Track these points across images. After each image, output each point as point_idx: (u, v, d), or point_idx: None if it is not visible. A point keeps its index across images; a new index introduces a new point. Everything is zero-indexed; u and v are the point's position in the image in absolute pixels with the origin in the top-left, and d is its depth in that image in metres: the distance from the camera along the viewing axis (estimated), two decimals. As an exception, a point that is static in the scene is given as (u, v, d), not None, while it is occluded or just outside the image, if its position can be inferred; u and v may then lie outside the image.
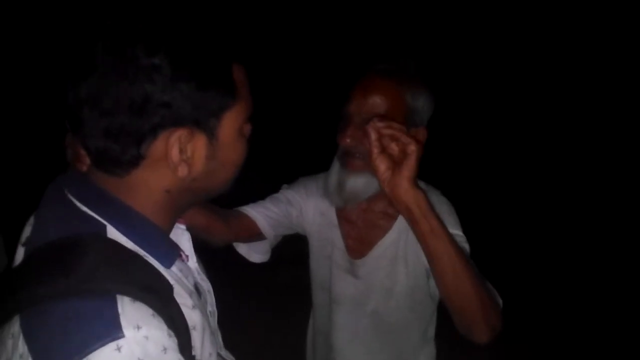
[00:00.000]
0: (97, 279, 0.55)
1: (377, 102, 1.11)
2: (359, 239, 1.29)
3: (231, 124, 0.66)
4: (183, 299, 0.66)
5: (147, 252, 0.64)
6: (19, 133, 4.99)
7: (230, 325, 0.90)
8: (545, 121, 6.00)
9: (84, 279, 0.55)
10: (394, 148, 0.90)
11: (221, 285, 0.89)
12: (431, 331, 1.36)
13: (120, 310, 0.53)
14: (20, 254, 0.66)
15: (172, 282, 0.65)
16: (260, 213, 1.28)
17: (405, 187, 0.88)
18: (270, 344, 2.90)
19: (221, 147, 0.66)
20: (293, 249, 1.50)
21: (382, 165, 0.91)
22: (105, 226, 0.62)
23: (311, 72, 6.05)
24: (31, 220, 0.69)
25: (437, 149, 1.27)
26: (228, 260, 1.35)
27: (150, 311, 0.56)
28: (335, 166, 1.22)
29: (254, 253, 1.35)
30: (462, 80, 5.94)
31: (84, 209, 0.63)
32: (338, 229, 1.32)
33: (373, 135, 0.90)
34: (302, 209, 1.36)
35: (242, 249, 1.34)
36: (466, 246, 1.13)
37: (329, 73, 5.30)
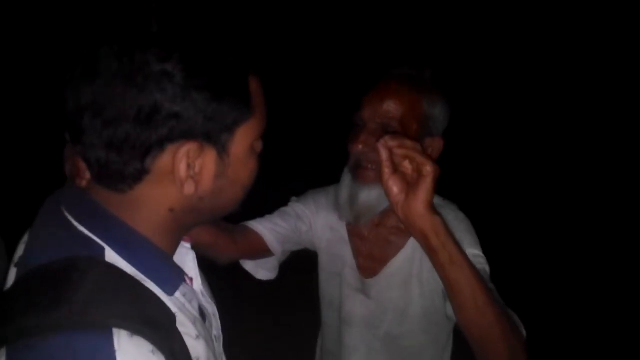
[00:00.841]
0: (93, 310, 0.50)
1: (392, 107, 1.05)
2: (371, 256, 1.23)
3: (244, 140, 0.61)
4: (186, 328, 0.62)
5: (149, 277, 0.59)
6: (22, 137, 4.95)
7: (230, 335, 0.85)
8: (546, 125, 5.98)
9: (78, 311, 0.50)
10: (407, 167, 0.82)
11: (222, 294, 0.84)
12: (447, 356, 1.28)
13: (116, 346, 0.49)
14: (12, 275, 0.60)
15: (174, 310, 0.60)
16: (267, 229, 1.22)
17: (420, 213, 0.80)
18: (272, 352, 2.84)
19: (232, 164, 0.61)
20: (298, 256, 1.43)
21: (394, 187, 0.83)
22: (103, 249, 0.57)
23: (323, 77, 6.01)
24: (25, 238, 0.63)
25: (450, 156, 1.20)
26: (229, 267, 1.29)
27: (149, 347, 0.51)
28: (347, 178, 1.15)
29: (261, 270, 1.28)
30: (474, 87, 5.89)
31: (81, 229, 0.58)
32: (349, 245, 1.25)
33: (384, 154, 0.82)
34: (311, 223, 1.30)
35: (249, 265, 1.27)
36: (486, 268, 1.06)
37: (341, 78, 5.25)
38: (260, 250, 1.23)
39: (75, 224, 0.58)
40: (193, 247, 0.75)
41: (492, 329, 0.83)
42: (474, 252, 1.07)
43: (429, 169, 0.79)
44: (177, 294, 0.63)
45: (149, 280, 0.59)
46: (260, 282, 1.30)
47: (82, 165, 0.62)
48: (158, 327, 0.54)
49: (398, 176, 0.83)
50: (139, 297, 0.56)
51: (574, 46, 5.97)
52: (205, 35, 0.57)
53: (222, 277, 1.12)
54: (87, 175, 0.61)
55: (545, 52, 6.14)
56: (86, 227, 0.58)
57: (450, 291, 0.84)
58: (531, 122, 6.08)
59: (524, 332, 0.93)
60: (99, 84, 0.53)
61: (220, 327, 0.77)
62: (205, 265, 0.79)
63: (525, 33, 6.12)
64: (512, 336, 0.86)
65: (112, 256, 0.57)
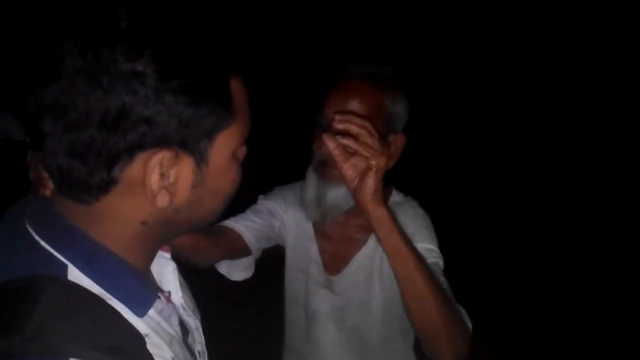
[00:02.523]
0: (48, 337, 0.45)
1: (356, 106, 1.05)
2: (335, 254, 1.25)
3: (225, 147, 0.56)
4: (161, 350, 0.56)
5: (116, 297, 0.53)
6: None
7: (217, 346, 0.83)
8: (539, 123, 6.05)
9: (32, 337, 0.45)
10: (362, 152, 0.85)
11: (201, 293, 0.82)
12: (409, 344, 1.32)
13: None
14: None
15: (147, 331, 0.55)
16: (245, 227, 1.21)
17: (366, 203, 0.86)
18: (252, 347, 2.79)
19: (211, 173, 0.56)
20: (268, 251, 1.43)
21: (348, 172, 0.88)
22: (66, 266, 0.52)
23: (281, 75, 5.90)
24: None
25: (421, 153, 1.24)
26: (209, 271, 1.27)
27: None
28: (312, 177, 1.15)
29: (235, 271, 1.27)
30: (468, 85, 5.92)
31: (43, 244, 0.53)
32: (315, 242, 1.27)
33: (331, 145, 0.86)
34: (283, 219, 1.30)
35: (223, 268, 1.25)
36: (439, 262, 1.10)
37: (301, 77, 5.18)
38: (239, 249, 1.22)
39: (37, 238, 0.53)
40: (175, 253, 0.70)
41: (433, 318, 0.88)
42: (428, 246, 1.11)
43: (373, 162, 0.83)
44: (152, 311, 0.58)
45: (116, 300, 0.53)
46: (238, 283, 1.29)
47: (45, 174, 0.57)
48: (122, 354, 0.49)
49: (353, 161, 0.87)
50: (102, 321, 0.51)
51: (569, 43, 5.96)
52: (182, 31, 0.51)
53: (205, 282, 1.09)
54: (51, 184, 0.57)
55: (539, 49, 6.12)
56: (48, 243, 0.53)
57: (396, 280, 0.90)
58: (527, 121, 6.08)
59: (469, 325, 0.98)
60: (60, 84, 0.47)
61: (203, 342, 0.72)
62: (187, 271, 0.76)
63: (520, 29, 6.09)
64: (454, 328, 0.91)
65: (75, 274, 0.52)
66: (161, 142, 0.50)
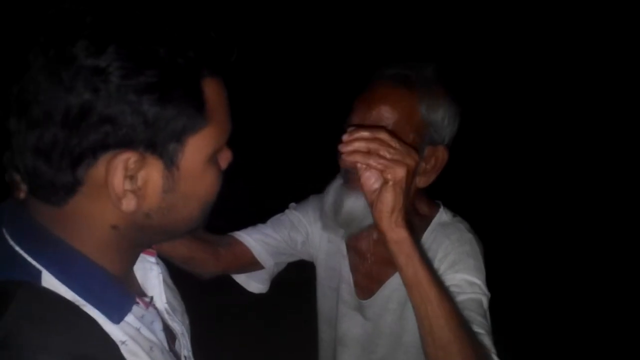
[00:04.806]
0: (18, 346, 0.44)
1: (383, 114, 0.94)
2: (369, 275, 1.12)
3: (198, 151, 0.53)
4: (137, 357, 0.55)
5: (91, 303, 0.52)
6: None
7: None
8: (543, 125, 5.78)
9: (0, 346, 0.43)
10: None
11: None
12: None
13: None
14: None
15: (123, 337, 0.53)
16: (256, 240, 1.13)
17: (383, 222, 0.74)
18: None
19: (184, 178, 0.53)
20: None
21: (367, 182, 0.76)
22: (40, 272, 0.51)
23: (316, 78, 5.85)
24: None
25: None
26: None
27: None
28: (336, 183, 1.05)
29: (253, 282, 1.19)
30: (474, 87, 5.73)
31: (17, 248, 0.52)
32: (347, 260, 1.15)
33: (345, 154, 0.75)
34: (308, 233, 1.19)
35: (240, 277, 1.19)
36: (482, 299, 0.94)
37: (336, 79, 5.10)
38: (248, 263, 1.14)
39: (11, 242, 0.52)
40: (167, 260, 0.70)
41: None
42: (470, 278, 0.95)
43: (388, 175, 0.72)
44: (130, 317, 0.56)
45: (91, 307, 0.52)
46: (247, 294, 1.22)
47: (18, 175, 0.55)
48: None
49: (375, 172, 0.75)
50: (75, 328, 0.49)
51: (575, 45, 5.80)
52: (150, 28, 0.49)
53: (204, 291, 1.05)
54: (24, 186, 0.55)
55: (545, 51, 5.91)
56: (22, 247, 0.52)
57: (416, 319, 0.76)
58: (532, 123, 5.91)
59: None
60: (24, 80, 0.46)
61: (189, 347, 0.70)
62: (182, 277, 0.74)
63: (526, 31, 5.96)
64: None
65: (49, 280, 0.51)
66: (125, 143, 0.48)
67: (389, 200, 0.73)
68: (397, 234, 0.74)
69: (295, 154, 4.92)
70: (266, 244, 1.14)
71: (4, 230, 0.54)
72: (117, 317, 0.54)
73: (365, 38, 5.89)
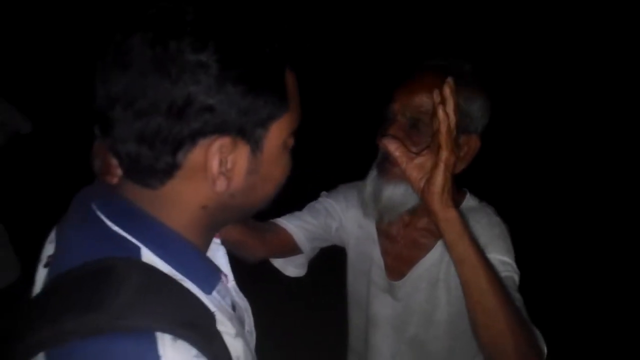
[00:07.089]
0: (133, 314, 0.48)
1: (424, 100, 0.99)
2: (399, 257, 1.18)
3: (278, 136, 0.59)
4: (225, 326, 0.60)
5: (187, 277, 0.57)
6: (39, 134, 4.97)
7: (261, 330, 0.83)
8: (545, 126, 5.79)
9: (118, 314, 0.48)
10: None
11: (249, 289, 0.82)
12: None
13: (161, 351, 0.47)
14: (40, 276, 0.59)
15: (213, 309, 0.58)
16: (297, 226, 1.19)
17: (435, 202, 0.80)
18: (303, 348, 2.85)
19: (264, 160, 0.59)
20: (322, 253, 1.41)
21: (414, 173, 0.83)
22: (139, 249, 0.55)
23: (354, 69, 5.87)
24: (52, 236, 0.62)
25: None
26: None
27: (193, 351, 0.49)
28: (373, 174, 1.10)
29: (290, 267, 1.25)
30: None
31: (115, 228, 0.56)
32: (377, 244, 1.21)
33: (391, 148, 0.83)
34: (341, 220, 1.26)
35: (278, 262, 1.25)
36: (515, 276, 1.01)
37: (374, 71, 5.13)
38: (289, 249, 1.20)
39: (109, 223, 0.56)
40: (222, 244, 0.73)
41: (503, 338, 0.80)
42: (502, 258, 1.02)
43: (443, 154, 0.78)
44: (214, 292, 0.61)
45: (187, 280, 0.57)
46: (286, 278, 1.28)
47: (113, 162, 0.60)
48: (200, 329, 0.52)
49: (418, 161, 0.84)
50: (180, 299, 0.54)
51: (580, 46, 5.77)
52: (242, 25, 0.54)
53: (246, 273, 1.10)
54: (118, 171, 0.60)
55: (552, 51, 5.93)
56: (120, 226, 0.56)
57: (463, 291, 0.83)
58: (534, 123, 5.87)
59: (544, 349, 0.88)
60: (131, 74, 0.50)
61: (252, 323, 0.75)
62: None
63: (532, 31, 5.94)
64: (527, 350, 0.82)
65: (148, 256, 0.55)
66: (221, 130, 0.53)
67: (440, 181, 0.79)
68: (448, 213, 0.80)
69: (295, 153, 4.97)
70: (305, 229, 1.20)
71: (98, 212, 0.57)
72: (209, 288, 0.59)
73: (365, 38, 5.90)
